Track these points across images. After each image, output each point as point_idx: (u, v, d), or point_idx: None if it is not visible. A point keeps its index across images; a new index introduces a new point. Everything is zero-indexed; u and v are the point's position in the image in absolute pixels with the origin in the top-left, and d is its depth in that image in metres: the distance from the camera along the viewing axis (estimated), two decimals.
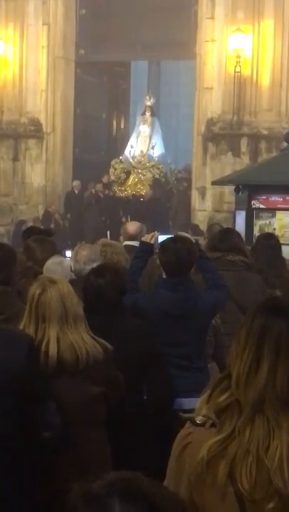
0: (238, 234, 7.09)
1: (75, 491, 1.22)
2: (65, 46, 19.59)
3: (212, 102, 17.73)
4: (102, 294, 4.58)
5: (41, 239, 6.27)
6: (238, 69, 17.12)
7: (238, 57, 17.13)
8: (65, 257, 6.86)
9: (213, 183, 16.05)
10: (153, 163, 20.87)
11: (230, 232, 7.09)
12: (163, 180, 20.59)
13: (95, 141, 21.42)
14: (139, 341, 4.62)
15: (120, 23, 19.23)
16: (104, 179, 20.44)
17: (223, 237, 6.76)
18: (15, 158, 19.62)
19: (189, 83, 20.33)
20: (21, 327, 3.92)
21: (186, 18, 18.63)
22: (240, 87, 17.15)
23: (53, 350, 3.83)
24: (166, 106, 25.72)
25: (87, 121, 20.79)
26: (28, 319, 3.90)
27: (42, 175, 19.60)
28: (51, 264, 5.62)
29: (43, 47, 19.27)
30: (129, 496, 1.19)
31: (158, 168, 20.72)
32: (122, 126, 23.14)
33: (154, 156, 21.19)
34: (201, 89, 17.95)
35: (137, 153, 21.24)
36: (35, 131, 19.46)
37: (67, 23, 19.44)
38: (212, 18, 17.62)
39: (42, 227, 17.04)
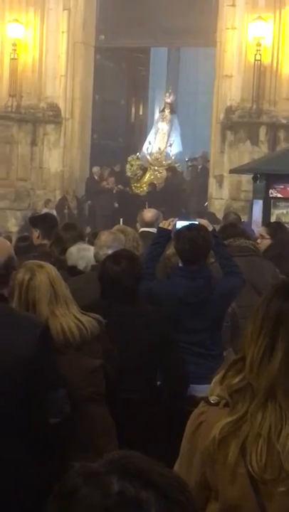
0: (244, 223, 7.40)
1: (74, 469, 1.25)
2: (85, 31, 19.55)
3: (231, 90, 17.67)
4: (118, 281, 4.60)
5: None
6: (258, 57, 17.05)
7: (259, 45, 17.06)
8: None
9: (231, 171, 16.03)
10: (170, 162, 20.91)
11: (237, 223, 7.38)
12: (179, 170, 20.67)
13: (113, 127, 21.41)
14: (154, 327, 4.65)
15: (141, 9, 19.16)
16: (116, 167, 20.43)
17: (232, 226, 6.99)
18: (33, 143, 19.64)
19: (208, 70, 20.27)
20: None
21: (206, 5, 18.54)
22: (259, 76, 17.07)
23: None
24: (184, 93, 25.66)
25: (105, 107, 20.79)
26: (18, 304, 3.92)
27: (59, 160, 19.62)
28: (75, 250, 5.67)
29: (63, 32, 19.25)
30: (127, 474, 1.21)
31: (175, 167, 20.77)
32: (141, 113, 23.13)
33: (172, 153, 21.22)
34: (220, 76, 17.89)
35: (155, 150, 21.28)
36: (54, 116, 19.47)
37: (87, 9, 19.39)
38: (233, 5, 17.54)
39: (55, 212, 17.16)
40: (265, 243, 7.44)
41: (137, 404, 4.44)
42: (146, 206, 14.77)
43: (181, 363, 4.72)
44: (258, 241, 7.40)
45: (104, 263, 4.79)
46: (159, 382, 4.75)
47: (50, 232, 6.99)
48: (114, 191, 19.60)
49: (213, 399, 2.22)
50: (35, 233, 7.13)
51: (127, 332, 4.48)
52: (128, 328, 4.52)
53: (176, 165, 20.97)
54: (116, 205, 19.10)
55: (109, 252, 5.18)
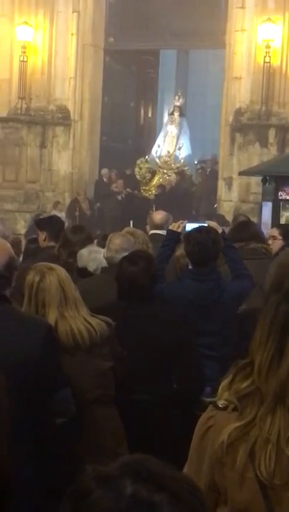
0: (256, 225, 7.29)
1: (87, 472, 1.25)
2: (95, 34, 19.58)
3: (240, 92, 17.66)
4: (135, 282, 4.61)
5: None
6: (267, 59, 17.04)
7: (268, 47, 17.05)
8: None
9: (241, 173, 16.04)
10: (179, 165, 20.90)
11: (249, 223, 7.28)
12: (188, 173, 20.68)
13: (123, 129, 21.43)
14: (172, 328, 4.65)
15: (150, 12, 19.19)
16: (128, 171, 20.44)
17: (243, 227, 6.93)
18: (42, 145, 19.67)
19: (217, 73, 20.27)
20: None
21: (216, 7, 18.55)
22: (269, 78, 17.07)
23: None
24: (193, 95, 25.64)
25: (114, 110, 20.80)
26: (28, 306, 3.94)
27: (69, 162, 19.64)
28: (86, 252, 5.70)
29: (72, 34, 19.27)
30: (140, 477, 1.21)
31: (183, 170, 20.78)
32: (150, 115, 23.13)
33: (181, 157, 21.20)
34: (229, 78, 17.89)
35: (164, 153, 21.29)
36: (63, 118, 19.49)
37: (96, 11, 19.42)
38: (242, 7, 17.53)
39: (64, 214, 17.20)
40: (277, 244, 7.41)
41: (148, 406, 4.44)
42: (154, 209, 14.78)
43: (199, 366, 4.71)
44: (269, 242, 7.38)
45: (121, 264, 4.80)
46: (175, 385, 4.75)
47: (56, 234, 7.00)
48: (123, 195, 19.61)
49: (221, 403, 2.20)
50: (42, 235, 7.15)
51: (143, 332, 4.48)
52: (145, 328, 4.52)
53: (186, 168, 20.96)
54: (119, 198, 19.11)
55: (125, 254, 5.20)
